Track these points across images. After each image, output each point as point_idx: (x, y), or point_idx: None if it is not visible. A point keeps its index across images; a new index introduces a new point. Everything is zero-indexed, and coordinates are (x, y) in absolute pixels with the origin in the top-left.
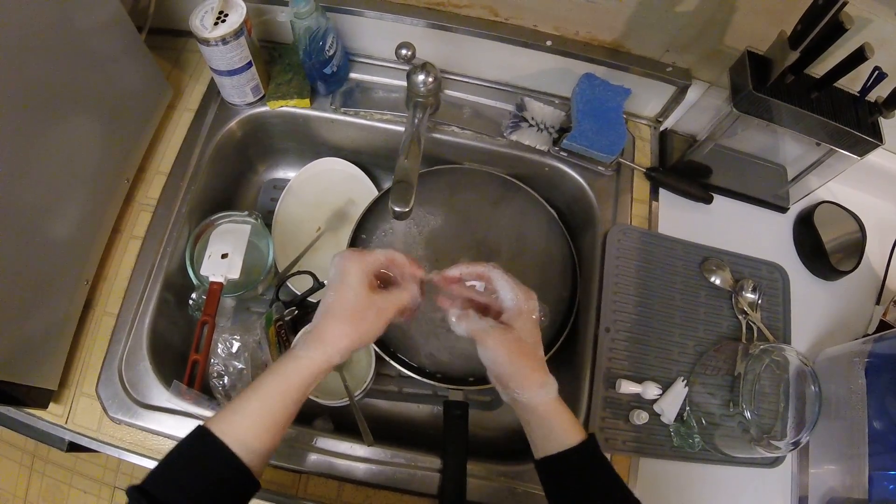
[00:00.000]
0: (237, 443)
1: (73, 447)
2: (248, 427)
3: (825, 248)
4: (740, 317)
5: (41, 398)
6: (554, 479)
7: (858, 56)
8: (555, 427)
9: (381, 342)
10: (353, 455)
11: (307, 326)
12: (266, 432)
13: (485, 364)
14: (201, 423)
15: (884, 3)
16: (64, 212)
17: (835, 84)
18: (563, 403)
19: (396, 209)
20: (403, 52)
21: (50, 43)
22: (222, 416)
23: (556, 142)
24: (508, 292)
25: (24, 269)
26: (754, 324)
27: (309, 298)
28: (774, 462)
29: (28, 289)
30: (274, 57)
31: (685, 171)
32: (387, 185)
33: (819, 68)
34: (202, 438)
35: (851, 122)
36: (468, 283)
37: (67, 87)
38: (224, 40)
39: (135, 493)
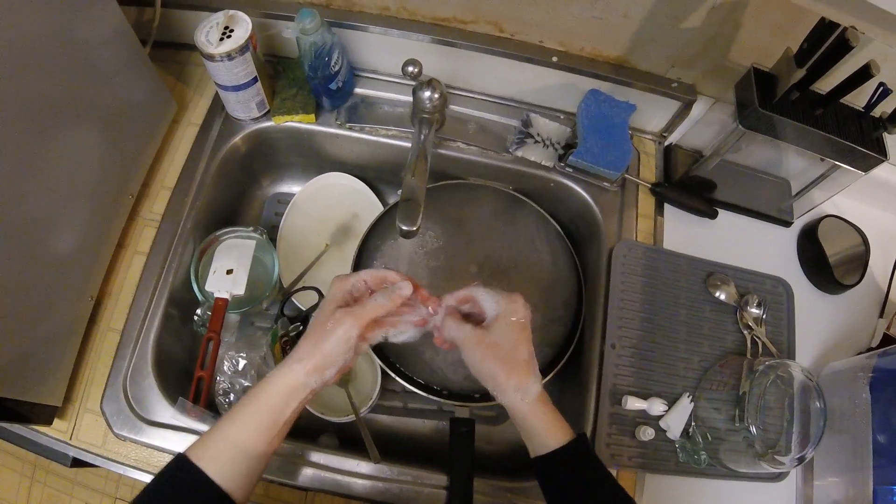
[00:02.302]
0: (216, 469)
1: (78, 463)
2: (225, 452)
3: (829, 261)
4: (745, 332)
5: (45, 414)
6: (543, 478)
7: (864, 73)
8: (536, 429)
9: (385, 358)
10: (358, 472)
11: None
12: (245, 458)
13: (469, 368)
14: (181, 451)
15: (889, 22)
16: (67, 227)
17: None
18: (545, 406)
19: (404, 228)
20: (410, 69)
21: (52, 56)
22: (201, 443)
23: (561, 158)
24: (490, 302)
25: (27, 285)
26: (759, 338)
27: (313, 315)
28: (779, 476)
29: (31, 304)
30: (279, 72)
31: (690, 186)
32: (392, 199)
33: (824, 84)
34: (181, 467)
35: (856, 138)
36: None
37: (70, 101)
38: (229, 56)
39: None
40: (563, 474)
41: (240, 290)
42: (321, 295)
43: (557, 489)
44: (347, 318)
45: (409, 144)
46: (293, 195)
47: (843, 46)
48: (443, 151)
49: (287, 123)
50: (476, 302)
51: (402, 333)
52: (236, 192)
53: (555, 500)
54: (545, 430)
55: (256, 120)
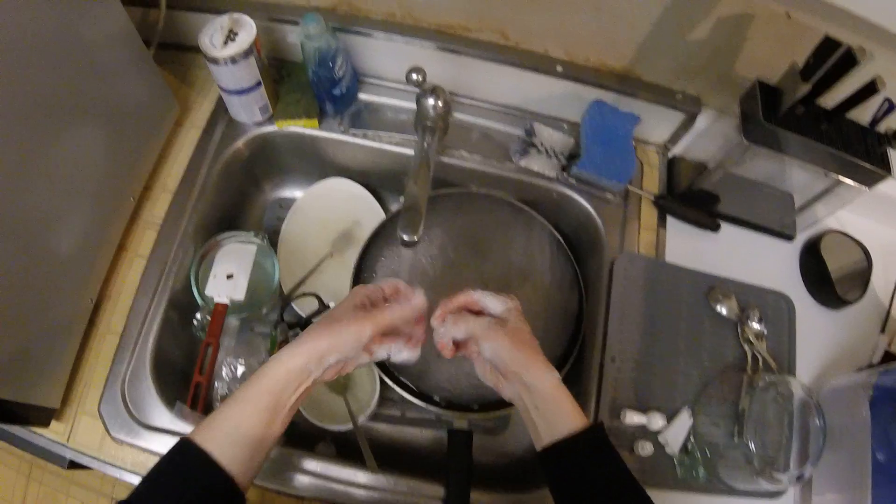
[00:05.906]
0: (220, 452)
1: (74, 465)
2: (229, 435)
3: (831, 277)
4: (746, 346)
5: (43, 416)
6: (559, 466)
7: (870, 88)
8: (562, 409)
9: (384, 366)
10: (355, 482)
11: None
12: (247, 440)
13: (488, 359)
14: (184, 434)
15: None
16: (68, 228)
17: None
18: (567, 390)
19: (405, 238)
20: (414, 76)
21: (56, 55)
22: (204, 427)
23: (564, 168)
24: (493, 301)
25: (26, 286)
26: (759, 353)
27: (313, 320)
28: (777, 494)
29: (31, 305)
30: (283, 76)
31: (693, 198)
32: (394, 206)
33: (829, 99)
34: (185, 450)
35: (861, 153)
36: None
37: (73, 100)
38: (233, 60)
39: None
40: (578, 463)
41: (240, 296)
42: (321, 301)
43: (569, 478)
44: (366, 320)
45: (412, 152)
46: (295, 200)
47: (848, 61)
48: (445, 159)
49: (290, 128)
50: (477, 305)
51: (400, 352)
52: (238, 196)
53: (563, 489)
54: (569, 411)
55: (259, 124)
